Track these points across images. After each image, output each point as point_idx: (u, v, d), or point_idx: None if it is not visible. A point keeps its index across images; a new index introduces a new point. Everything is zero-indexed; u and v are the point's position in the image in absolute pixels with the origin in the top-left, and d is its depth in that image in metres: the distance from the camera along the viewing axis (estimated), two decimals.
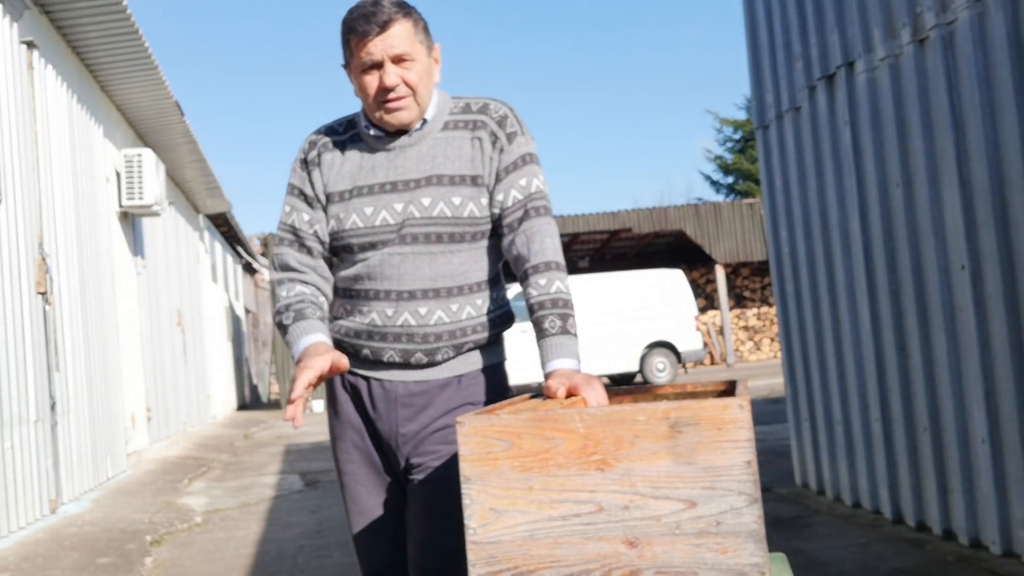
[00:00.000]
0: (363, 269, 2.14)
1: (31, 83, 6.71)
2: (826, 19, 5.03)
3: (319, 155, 2.21)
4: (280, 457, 10.48)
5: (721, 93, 70.98)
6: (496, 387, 2.20)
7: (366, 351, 2.16)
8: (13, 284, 5.98)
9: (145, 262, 10.70)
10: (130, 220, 10.11)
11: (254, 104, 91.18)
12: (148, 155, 9.69)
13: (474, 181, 2.13)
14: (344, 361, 2.00)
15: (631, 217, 21.68)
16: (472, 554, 1.56)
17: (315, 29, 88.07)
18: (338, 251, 2.20)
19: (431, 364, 2.14)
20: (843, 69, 4.88)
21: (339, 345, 2.22)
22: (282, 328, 2.14)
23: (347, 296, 2.20)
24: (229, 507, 7.10)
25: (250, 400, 24.44)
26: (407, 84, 2.10)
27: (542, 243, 2.10)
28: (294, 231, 2.21)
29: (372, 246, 2.13)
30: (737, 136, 35.46)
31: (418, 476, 2.13)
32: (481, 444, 1.57)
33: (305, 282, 2.20)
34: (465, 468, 1.57)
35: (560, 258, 2.11)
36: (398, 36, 2.08)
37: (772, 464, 6.74)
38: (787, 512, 5.28)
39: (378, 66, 2.09)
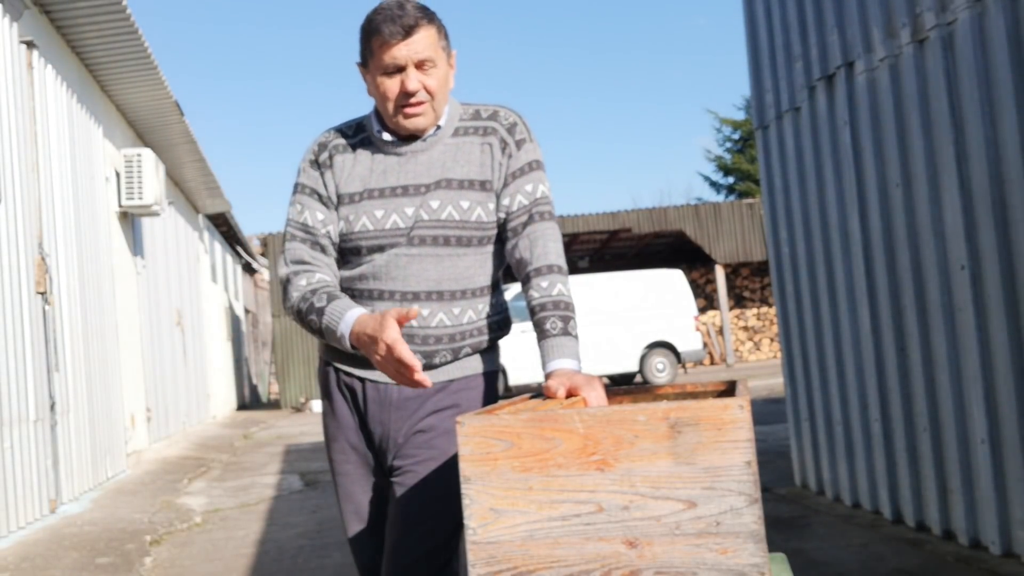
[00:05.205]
0: (369, 269, 2.14)
1: (31, 83, 6.71)
2: (826, 19, 5.03)
3: (331, 157, 2.20)
4: (280, 457, 10.48)
5: (721, 93, 71.02)
6: (486, 394, 2.20)
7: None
8: (13, 284, 5.98)
9: (145, 262, 10.70)
10: (130, 220, 10.11)
11: (254, 104, 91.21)
12: (148, 155, 9.69)
13: (483, 186, 2.14)
14: (410, 310, 1.92)
15: (631, 217, 21.68)
16: (472, 554, 1.56)
17: (315, 29, 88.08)
18: (344, 252, 2.19)
19: (428, 367, 2.14)
20: (843, 69, 4.88)
21: None
22: (314, 311, 2.07)
23: (350, 295, 2.19)
24: (229, 507, 7.10)
25: (250, 400, 24.46)
26: (427, 90, 2.10)
27: (545, 247, 2.12)
28: (306, 229, 2.18)
29: (380, 248, 2.12)
30: (736, 136, 35.45)
31: (395, 479, 2.14)
32: (481, 444, 1.57)
33: (323, 273, 2.17)
34: (465, 468, 1.57)
35: (562, 262, 2.14)
36: (423, 42, 2.07)
37: (772, 464, 6.74)
38: (787, 512, 5.28)
39: (400, 70, 2.09)
